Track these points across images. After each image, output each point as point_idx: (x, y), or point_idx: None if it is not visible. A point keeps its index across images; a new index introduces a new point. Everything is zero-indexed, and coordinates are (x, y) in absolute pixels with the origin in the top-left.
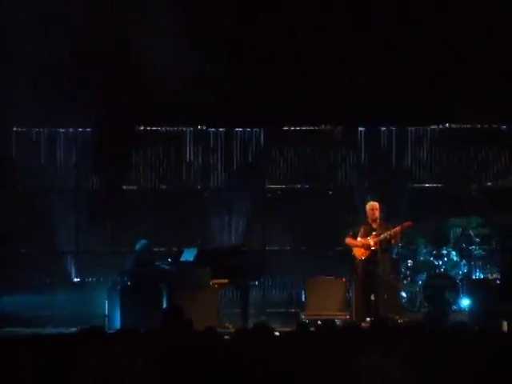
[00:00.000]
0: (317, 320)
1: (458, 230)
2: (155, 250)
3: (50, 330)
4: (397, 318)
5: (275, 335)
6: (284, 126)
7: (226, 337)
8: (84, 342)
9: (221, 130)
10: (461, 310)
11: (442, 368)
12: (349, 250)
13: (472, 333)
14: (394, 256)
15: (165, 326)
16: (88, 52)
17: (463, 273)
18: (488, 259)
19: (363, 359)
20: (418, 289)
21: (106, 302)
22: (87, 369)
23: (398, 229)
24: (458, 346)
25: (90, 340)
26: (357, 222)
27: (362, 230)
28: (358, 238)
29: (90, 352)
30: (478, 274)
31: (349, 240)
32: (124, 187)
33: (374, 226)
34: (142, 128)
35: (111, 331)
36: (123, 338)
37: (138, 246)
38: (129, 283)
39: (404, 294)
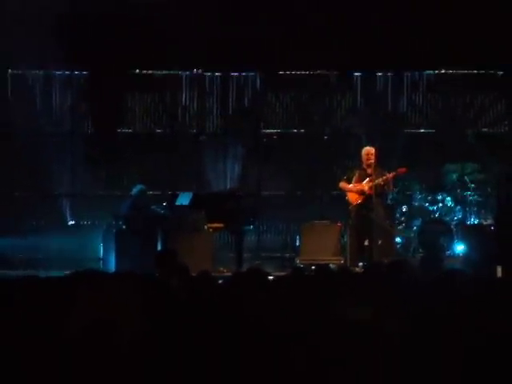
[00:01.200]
0: (311, 264)
1: (454, 176)
2: (150, 193)
3: (43, 273)
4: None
5: (269, 280)
6: (280, 70)
7: (220, 281)
8: (78, 284)
9: (217, 74)
10: (455, 256)
11: (435, 315)
12: (344, 194)
13: (466, 279)
14: (389, 202)
15: (158, 270)
16: None
17: (458, 218)
18: (483, 205)
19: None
20: (412, 234)
21: (101, 245)
22: (81, 311)
23: (392, 174)
24: (452, 292)
25: (85, 282)
26: (351, 166)
27: (356, 174)
28: (352, 183)
29: (84, 294)
30: (472, 219)
31: (343, 185)
32: (119, 131)
33: (369, 171)
34: (137, 71)
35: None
36: (118, 280)
37: (134, 191)
38: (124, 227)
39: (399, 240)
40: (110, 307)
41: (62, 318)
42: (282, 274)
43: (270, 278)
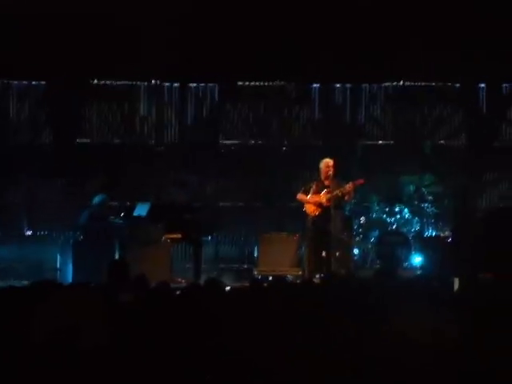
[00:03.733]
0: (269, 276)
1: (411, 188)
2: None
3: (1, 283)
4: (347, 274)
5: (227, 291)
6: (238, 81)
7: (177, 292)
8: (37, 294)
9: (175, 85)
10: (412, 267)
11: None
12: (302, 206)
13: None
14: (347, 213)
15: (109, 281)
16: (41, 3)
17: (415, 230)
18: (440, 217)
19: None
20: (370, 246)
21: (58, 255)
22: (41, 321)
23: (350, 186)
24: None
25: (44, 293)
26: (309, 178)
27: (314, 186)
28: (310, 195)
29: (43, 304)
30: (430, 231)
31: (300, 196)
32: (77, 141)
33: (327, 182)
34: (95, 82)
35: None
36: (76, 290)
37: (95, 200)
38: (81, 237)
39: (356, 251)
40: (69, 316)
41: (22, 327)
42: (240, 285)
43: (228, 288)
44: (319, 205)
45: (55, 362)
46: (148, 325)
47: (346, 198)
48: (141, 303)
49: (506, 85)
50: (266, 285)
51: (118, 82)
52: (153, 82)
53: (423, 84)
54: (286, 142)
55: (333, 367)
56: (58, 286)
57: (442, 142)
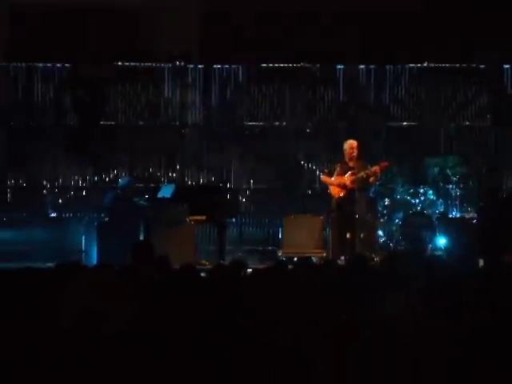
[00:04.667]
0: (293, 257)
1: (436, 169)
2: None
3: (26, 265)
4: (373, 256)
5: (252, 272)
6: (263, 63)
7: (202, 274)
8: (63, 276)
9: (199, 66)
10: (437, 249)
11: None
12: (326, 188)
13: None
14: (371, 195)
15: (134, 262)
16: None
17: (440, 212)
18: (465, 198)
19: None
20: (394, 227)
21: (83, 237)
22: (68, 303)
23: (375, 168)
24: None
25: (69, 274)
26: (334, 159)
27: (338, 168)
28: (334, 177)
29: (69, 286)
30: (454, 213)
31: (324, 178)
32: (102, 123)
33: (351, 164)
34: (120, 64)
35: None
36: (102, 272)
37: (121, 182)
38: (106, 219)
39: (381, 233)
40: (95, 298)
41: (50, 308)
42: (265, 266)
43: (252, 270)
44: (343, 186)
45: (82, 344)
46: (173, 307)
47: (371, 179)
48: (166, 284)
49: None
50: (290, 266)
51: (142, 64)
52: (177, 63)
53: (447, 65)
54: (310, 124)
55: (358, 348)
56: (84, 267)
57: (466, 123)
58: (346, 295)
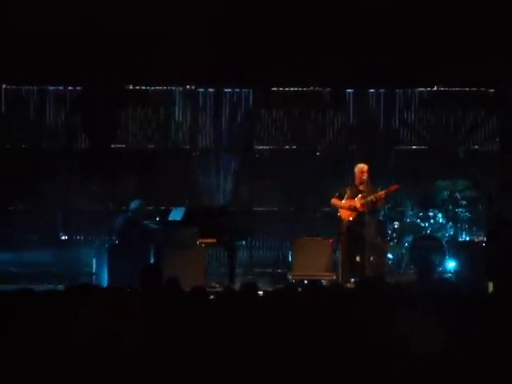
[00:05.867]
0: (303, 280)
1: (445, 193)
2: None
3: (37, 288)
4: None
5: (262, 295)
6: (273, 86)
7: (211, 296)
8: (76, 298)
9: (210, 90)
10: (446, 272)
11: (428, 327)
12: (336, 211)
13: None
14: (381, 218)
15: (143, 286)
16: (78, 11)
17: (449, 235)
18: (474, 222)
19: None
20: (404, 251)
21: (94, 259)
22: (82, 324)
23: (384, 192)
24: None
25: (82, 296)
26: (343, 183)
27: (348, 191)
28: (344, 200)
29: (83, 308)
30: (464, 236)
31: (335, 201)
32: (112, 146)
33: (361, 187)
34: (131, 87)
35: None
36: (114, 294)
37: (132, 205)
38: (117, 241)
39: (390, 256)
40: (109, 320)
41: (61, 330)
42: (275, 289)
43: (260, 293)
44: (353, 209)
45: (95, 366)
46: (184, 329)
47: (378, 204)
48: (176, 308)
49: None
50: (300, 289)
51: (153, 88)
52: (187, 87)
53: (457, 89)
54: (320, 147)
55: (367, 370)
56: (96, 289)
57: (476, 146)
58: (356, 318)
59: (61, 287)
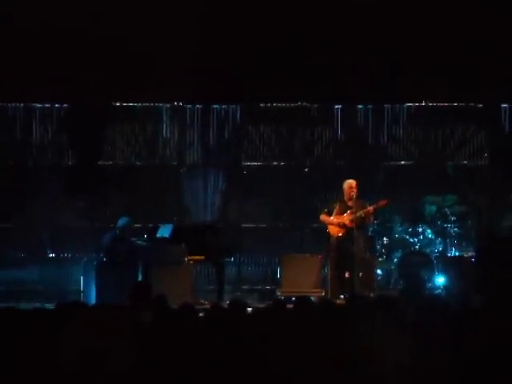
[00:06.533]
0: (292, 297)
1: (434, 208)
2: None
3: (24, 306)
4: (371, 295)
5: (251, 312)
6: (261, 102)
7: (200, 313)
8: (64, 316)
9: (197, 106)
10: (436, 288)
11: (417, 343)
12: (324, 227)
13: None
14: (370, 233)
15: (132, 303)
16: (64, 27)
17: (438, 250)
18: (463, 237)
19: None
20: (393, 266)
21: (82, 277)
22: (69, 342)
23: (373, 207)
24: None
25: (71, 314)
26: (332, 199)
27: (337, 207)
28: (333, 216)
29: (70, 325)
30: (453, 251)
31: (323, 217)
32: (100, 163)
33: (350, 203)
34: (118, 104)
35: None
36: (102, 312)
37: (120, 223)
38: (104, 259)
39: (379, 272)
40: (97, 338)
41: (49, 348)
42: (263, 306)
43: (249, 309)
44: (342, 226)
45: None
46: (172, 347)
47: (369, 219)
48: (165, 325)
49: None
50: (289, 306)
51: (141, 104)
52: (175, 103)
53: (445, 104)
54: (308, 163)
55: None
56: (84, 307)
57: (464, 162)
58: (344, 334)
59: (49, 306)
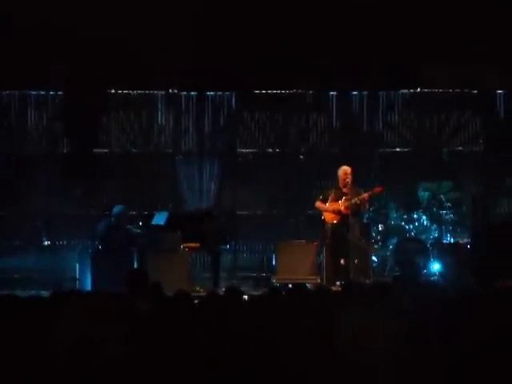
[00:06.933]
0: (288, 284)
1: (429, 195)
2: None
3: (20, 293)
4: (367, 281)
5: (246, 299)
6: (256, 89)
7: (196, 301)
8: (59, 304)
9: (192, 93)
10: (431, 274)
11: (413, 330)
12: (319, 214)
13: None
14: (365, 220)
15: (129, 290)
16: (58, 15)
17: (434, 237)
18: (459, 223)
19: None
20: (388, 253)
21: (77, 264)
22: (63, 330)
23: (368, 194)
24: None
25: (66, 302)
26: (327, 186)
27: (332, 194)
28: (328, 203)
29: (65, 313)
30: (448, 238)
31: (319, 204)
32: (95, 151)
33: (345, 190)
34: (113, 91)
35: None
36: (97, 299)
37: (115, 210)
38: (100, 246)
39: (375, 259)
40: (90, 325)
41: (45, 336)
42: (259, 293)
43: (245, 297)
44: (338, 212)
45: (77, 372)
46: (168, 334)
47: (364, 206)
48: (160, 312)
49: None
50: (284, 293)
51: (136, 92)
52: (170, 90)
53: (440, 90)
54: (303, 150)
55: (352, 374)
56: (80, 294)
57: (459, 148)
58: (339, 321)
59: (44, 293)
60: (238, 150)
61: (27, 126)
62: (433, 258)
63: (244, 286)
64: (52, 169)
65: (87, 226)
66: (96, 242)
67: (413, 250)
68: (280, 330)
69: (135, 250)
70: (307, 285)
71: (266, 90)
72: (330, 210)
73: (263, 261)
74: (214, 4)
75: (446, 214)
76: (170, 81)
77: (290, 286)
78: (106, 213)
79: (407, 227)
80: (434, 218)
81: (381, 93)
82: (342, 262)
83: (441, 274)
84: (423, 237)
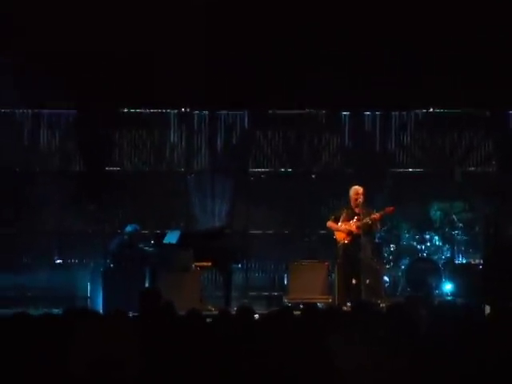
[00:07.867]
0: (299, 303)
1: (442, 215)
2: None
3: (32, 311)
4: (379, 302)
5: (257, 318)
6: (268, 109)
7: (208, 320)
8: (71, 322)
9: (205, 112)
10: (443, 295)
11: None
12: (331, 233)
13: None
14: (377, 240)
15: (142, 310)
16: (71, 34)
17: (446, 257)
18: (471, 244)
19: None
20: (400, 273)
21: (89, 283)
22: (81, 351)
23: (380, 214)
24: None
25: (79, 321)
26: (339, 205)
27: (344, 213)
28: (340, 223)
29: (81, 334)
30: (460, 258)
31: (330, 224)
32: (107, 169)
33: (357, 210)
34: (125, 110)
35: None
36: (113, 320)
37: (128, 229)
38: (111, 265)
39: (387, 279)
40: (110, 346)
41: (60, 355)
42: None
43: (256, 316)
44: (349, 232)
45: None
46: (180, 353)
47: (376, 226)
48: (172, 331)
49: None
50: (296, 312)
51: (148, 110)
52: (183, 109)
53: (453, 111)
54: (315, 170)
55: None
56: (94, 314)
57: (472, 168)
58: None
59: (56, 311)
60: (251, 169)
61: (40, 145)
62: (445, 278)
63: (256, 305)
64: (64, 187)
65: (99, 245)
66: (108, 261)
67: (425, 271)
68: (291, 349)
69: (147, 269)
70: (319, 304)
71: (279, 109)
72: (341, 229)
73: (275, 280)
74: (227, 23)
75: (458, 234)
76: (183, 100)
77: (302, 305)
78: (119, 231)
79: (419, 247)
80: (446, 239)
81: (393, 113)
82: (353, 281)
83: (453, 294)
84: (435, 257)
